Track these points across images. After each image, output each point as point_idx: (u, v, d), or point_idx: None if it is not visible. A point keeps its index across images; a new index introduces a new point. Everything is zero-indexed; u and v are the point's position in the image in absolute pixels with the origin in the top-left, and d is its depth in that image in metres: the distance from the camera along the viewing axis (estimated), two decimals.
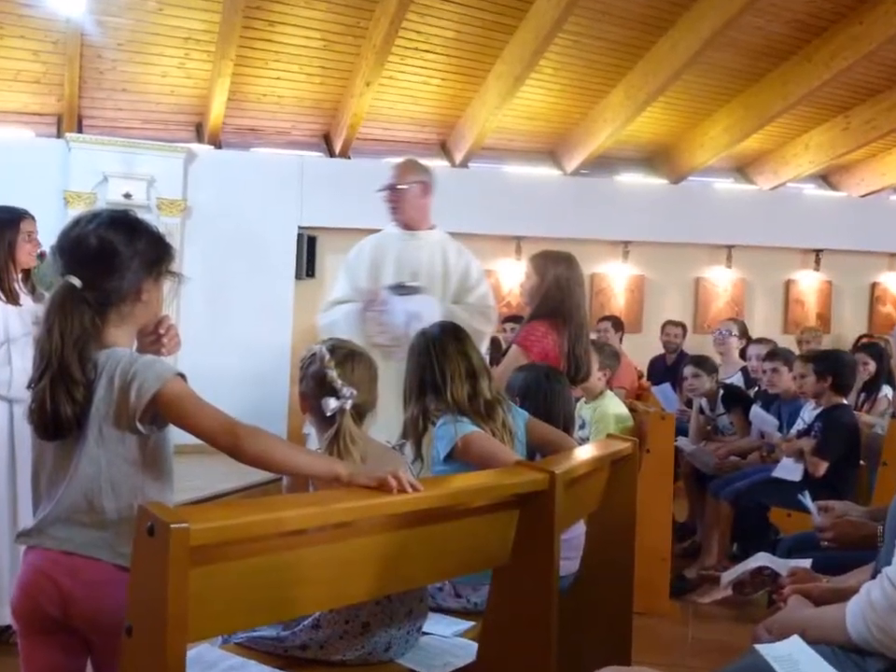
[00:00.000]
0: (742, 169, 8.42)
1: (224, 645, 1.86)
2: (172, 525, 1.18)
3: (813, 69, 6.46)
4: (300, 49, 6.05)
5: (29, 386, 1.56)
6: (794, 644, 1.54)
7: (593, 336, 3.90)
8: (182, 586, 1.20)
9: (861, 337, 7.23)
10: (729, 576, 2.25)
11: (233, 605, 1.35)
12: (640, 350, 6.43)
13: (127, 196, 5.95)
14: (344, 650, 1.80)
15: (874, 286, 8.53)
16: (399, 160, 3.54)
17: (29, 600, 1.57)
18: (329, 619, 1.79)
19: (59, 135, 6.22)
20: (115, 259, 1.59)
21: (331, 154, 7.00)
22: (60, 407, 1.51)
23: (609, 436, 2.76)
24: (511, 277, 7.06)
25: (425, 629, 1.96)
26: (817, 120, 7.59)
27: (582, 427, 3.51)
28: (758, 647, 1.54)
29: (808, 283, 8.27)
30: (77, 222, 1.63)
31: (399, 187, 3.26)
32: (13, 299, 2.92)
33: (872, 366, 4.54)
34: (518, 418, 2.43)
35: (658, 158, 7.98)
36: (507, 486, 1.79)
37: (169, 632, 1.19)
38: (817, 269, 8.23)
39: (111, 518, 1.53)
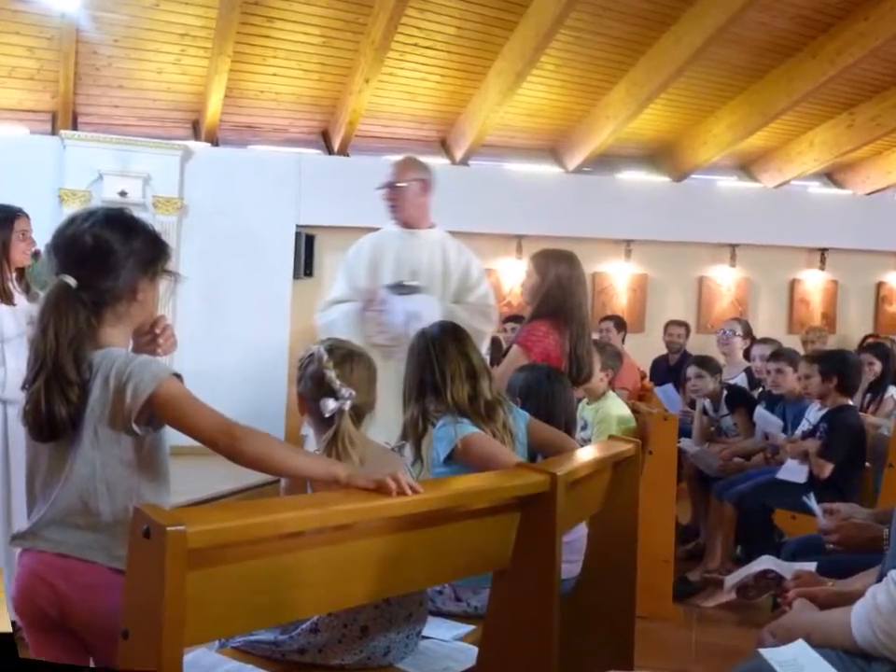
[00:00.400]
0: (746, 167, 8.39)
1: (221, 649, 1.84)
2: (168, 528, 1.17)
3: (818, 66, 6.44)
4: (298, 46, 6.03)
5: (23, 387, 1.55)
6: (799, 648, 1.53)
7: (595, 336, 3.87)
8: (178, 590, 1.19)
9: (866, 337, 7.22)
10: (733, 579, 2.23)
11: (231, 608, 1.34)
12: (643, 350, 6.40)
13: (122, 194, 5.91)
14: (343, 654, 1.79)
15: (879, 285, 8.49)
16: (399, 157, 3.52)
17: (27, 602, 1.55)
18: (328, 623, 1.78)
19: (54, 132, 6.19)
20: (110, 257, 1.57)
21: (330, 152, 6.97)
22: (54, 408, 1.49)
23: (612, 437, 2.74)
24: (512, 276, 7.04)
25: (424, 633, 1.95)
26: (821, 118, 7.57)
27: (584, 428, 3.49)
28: (762, 651, 1.53)
29: (813, 282, 8.23)
30: (72, 220, 1.61)
31: (399, 185, 3.24)
32: (7, 298, 2.91)
33: (878, 366, 4.50)
34: (519, 419, 2.41)
35: (661, 155, 7.95)
36: (508, 488, 1.78)
37: (165, 636, 1.18)
38: (822, 268, 8.19)
39: (106, 520, 1.52)
